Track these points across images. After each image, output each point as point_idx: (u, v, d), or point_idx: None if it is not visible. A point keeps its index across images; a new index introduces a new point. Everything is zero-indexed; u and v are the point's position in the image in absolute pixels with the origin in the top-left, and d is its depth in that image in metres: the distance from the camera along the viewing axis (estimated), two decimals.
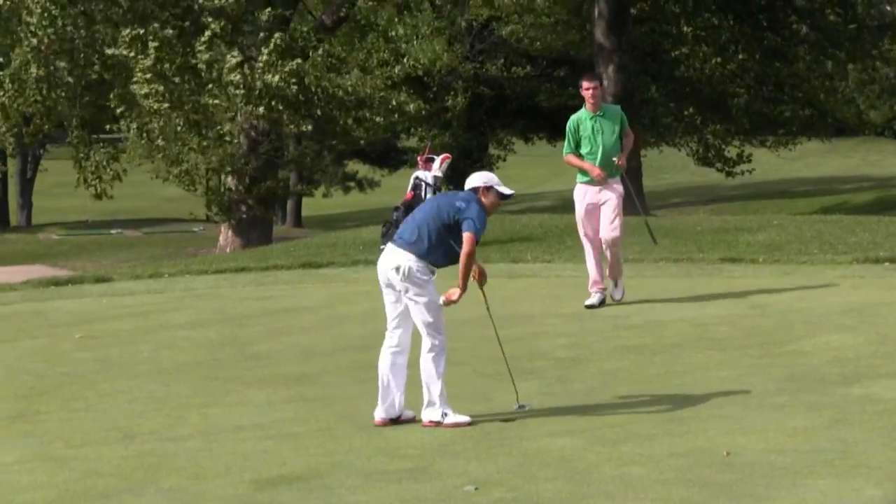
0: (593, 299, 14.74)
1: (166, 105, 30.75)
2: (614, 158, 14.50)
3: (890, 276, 16.99)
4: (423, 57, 40.79)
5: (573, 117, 14.76)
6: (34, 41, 31.10)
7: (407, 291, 9.70)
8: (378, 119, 32.93)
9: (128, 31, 30.54)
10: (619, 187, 14.68)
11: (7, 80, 32.54)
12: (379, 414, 9.73)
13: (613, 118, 14.65)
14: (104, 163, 34.05)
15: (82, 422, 10.26)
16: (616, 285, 15.07)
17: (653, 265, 19.19)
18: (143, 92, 30.62)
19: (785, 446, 8.41)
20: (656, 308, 15.03)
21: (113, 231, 54.41)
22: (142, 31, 30.34)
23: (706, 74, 44.62)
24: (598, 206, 14.62)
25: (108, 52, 31.06)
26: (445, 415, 9.54)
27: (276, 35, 30.97)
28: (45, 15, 30.19)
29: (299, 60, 30.86)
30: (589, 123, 14.55)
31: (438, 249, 9.67)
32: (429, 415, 9.66)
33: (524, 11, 46.57)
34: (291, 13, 33.94)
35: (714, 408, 9.61)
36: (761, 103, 45.80)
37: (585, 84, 14.66)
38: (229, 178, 34.15)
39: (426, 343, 9.71)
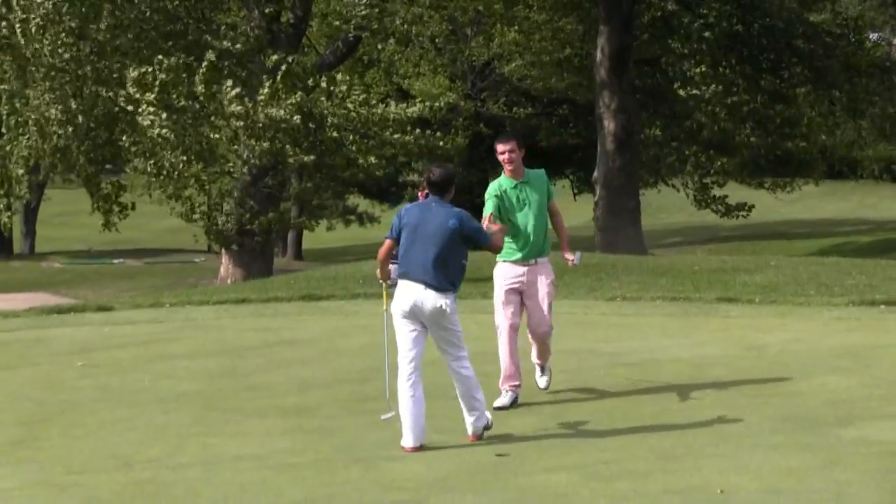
0: (504, 399, 11.54)
1: (171, 134, 30.78)
2: (567, 256, 11.95)
3: (886, 318, 17.00)
4: (431, 92, 40.90)
5: (495, 183, 11.80)
6: (47, 83, 31.17)
7: (439, 323, 10.09)
8: (396, 136, 32.92)
9: (134, 70, 30.58)
10: (550, 270, 11.92)
11: (30, 124, 32.57)
12: (410, 442, 9.86)
13: (539, 186, 11.76)
14: (113, 196, 34.13)
15: (82, 449, 10.27)
16: (542, 371, 12.17)
17: (650, 303, 19.21)
18: (146, 122, 30.66)
19: (779, 486, 8.42)
20: (653, 346, 15.04)
21: (115, 261, 54.41)
22: (149, 69, 30.40)
23: (709, 114, 44.74)
24: (522, 290, 11.73)
25: (121, 93, 31.11)
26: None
27: (283, 67, 31.06)
28: (56, 46, 30.23)
29: (301, 94, 30.92)
30: (513, 193, 11.63)
31: (460, 274, 10.28)
32: (479, 423, 10.14)
33: (523, 51, 46.75)
34: (294, 54, 34.06)
35: (709, 446, 9.62)
36: (762, 142, 45.95)
37: (500, 147, 11.68)
38: (228, 207, 34.17)
39: (459, 356, 10.14)
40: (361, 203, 61.76)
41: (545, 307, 11.73)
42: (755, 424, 10.38)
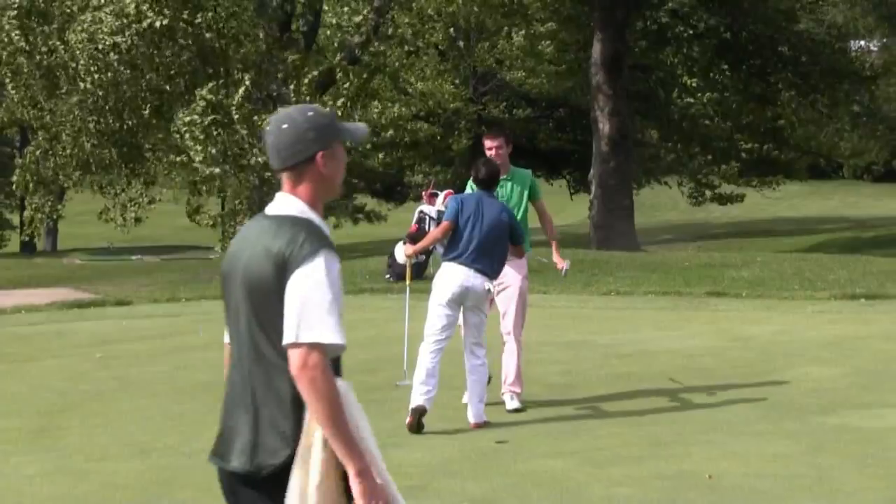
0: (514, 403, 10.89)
1: (217, 170, 30.84)
2: (558, 262, 11.68)
3: (866, 311, 17.01)
4: (433, 92, 40.88)
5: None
6: (88, 97, 31.19)
7: (479, 308, 10.33)
8: (391, 132, 32.90)
9: (182, 117, 30.68)
10: (523, 267, 11.12)
11: (64, 133, 32.58)
12: (418, 402, 10.09)
13: (522, 184, 11.35)
14: (138, 194, 34.20)
15: (101, 437, 10.27)
16: (512, 398, 10.93)
17: (642, 298, 19.23)
18: (198, 160, 30.70)
19: (765, 471, 8.42)
20: (645, 338, 15.05)
21: (133, 257, 54.38)
22: (188, 118, 30.47)
23: (701, 122, 44.79)
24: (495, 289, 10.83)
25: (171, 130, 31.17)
26: None
27: (307, 79, 31.13)
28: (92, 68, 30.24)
29: (318, 102, 30.96)
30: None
31: (502, 264, 10.57)
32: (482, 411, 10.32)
33: (527, 56, 46.78)
34: (305, 58, 34.04)
35: (698, 433, 9.62)
36: (759, 142, 45.98)
37: (488, 142, 11.23)
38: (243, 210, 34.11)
39: (481, 342, 10.37)
40: (369, 202, 61.86)
41: (513, 307, 10.99)
42: (742, 412, 10.39)
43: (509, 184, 11.26)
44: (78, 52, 29.99)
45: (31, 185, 34.21)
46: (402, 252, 10.92)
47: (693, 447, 9.17)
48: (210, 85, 30.56)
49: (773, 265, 23.94)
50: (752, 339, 14.80)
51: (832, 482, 8.10)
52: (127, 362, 14.35)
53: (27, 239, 44.67)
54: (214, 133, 30.52)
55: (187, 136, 30.21)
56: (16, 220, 67.95)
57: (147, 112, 31.19)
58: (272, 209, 4.34)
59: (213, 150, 30.43)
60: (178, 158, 31.93)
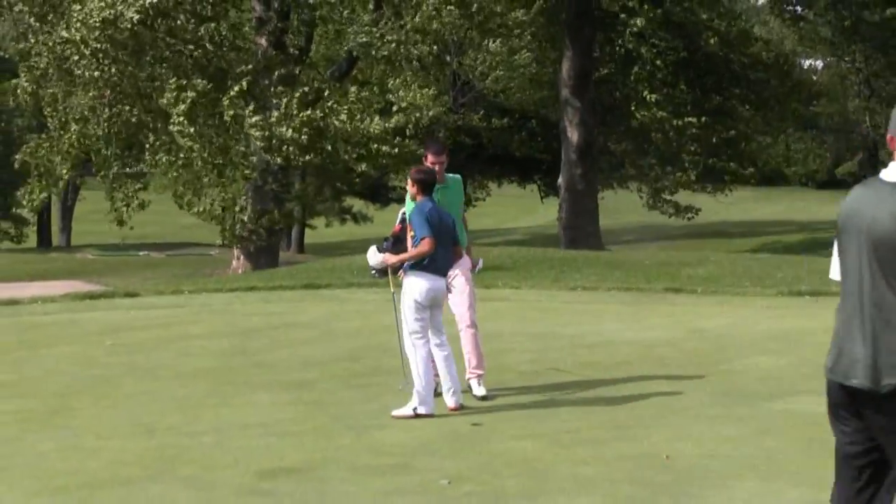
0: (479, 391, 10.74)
1: (196, 145, 30.75)
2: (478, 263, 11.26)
3: (810, 307, 17.05)
4: (414, 101, 40.75)
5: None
6: (95, 90, 31.12)
7: (441, 306, 10.38)
8: (385, 148, 32.82)
9: (173, 81, 30.58)
10: (468, 260, 10.97)
11: (73, 123, 32.49)
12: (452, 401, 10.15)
13: (457, 190, 11.11)
14: (131, 193, 34.11)
15: (110, 417, 10.24)
16: (479, 382, 10.82)
17: (606, 293, 19.23)
18: (176, 129, 30.58)
19: (717, 452, 8.43)
20: (608, 330, 15.06)
21: (140, 253, 54.29)
22: (184, 83, 30.41)
23: (663, 131, 44.82)
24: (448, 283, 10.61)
25: (160, 101, 31.03)
26: None
27: (297, 93, 31.09)
28: (99, 61, 30.12)
29: (310, 111, 30.83)
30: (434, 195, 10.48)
31: None
32: (459, 394, 10.30)
33: (503, 64, 46.80)
34: (301, 70, 33.96)
35: (657, 417, 9.63)
36: (706, 158, 45.95)
37: (433, 158, 10.80)
38: (240, 210, 34.02)
39: (444, 335, 10.32)
40: (356, 204, 61.83)
41: (466, 298, 10.81)
42: (697, 398, 10.40)
43: (446, 190, 10.87)
44: (76, 31, 29.88)
45: (31, 169, 34.15)
46: (374, 256, 10.74)
47: (652, 430, 9.18)
48: (203, 81, 30.51)
49: (725, 264, 23.99)
50: (706, 331, 14.82)
51: (779, 462, 8.12)
52: (134, 349, 14.32)
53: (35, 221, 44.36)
54: (199, 116, 30.46)
55: (175, 113, 30.11)
56: (33, 216, 67.79)
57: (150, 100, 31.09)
58: (888, 175, 4.73)
59: (192, 130, 30.33)
60: (172, 157, 31.87)
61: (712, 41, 43.23)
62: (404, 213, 10.85)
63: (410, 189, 10.34)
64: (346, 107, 31.98)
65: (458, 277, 10.80)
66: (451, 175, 11.12)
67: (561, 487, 7.59)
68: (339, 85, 34.00)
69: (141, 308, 18.90)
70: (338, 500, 7.44)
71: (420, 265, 10.04)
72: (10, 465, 8.58)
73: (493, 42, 43.27)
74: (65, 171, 33.89)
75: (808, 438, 8.77)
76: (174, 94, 30.21)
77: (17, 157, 35.08)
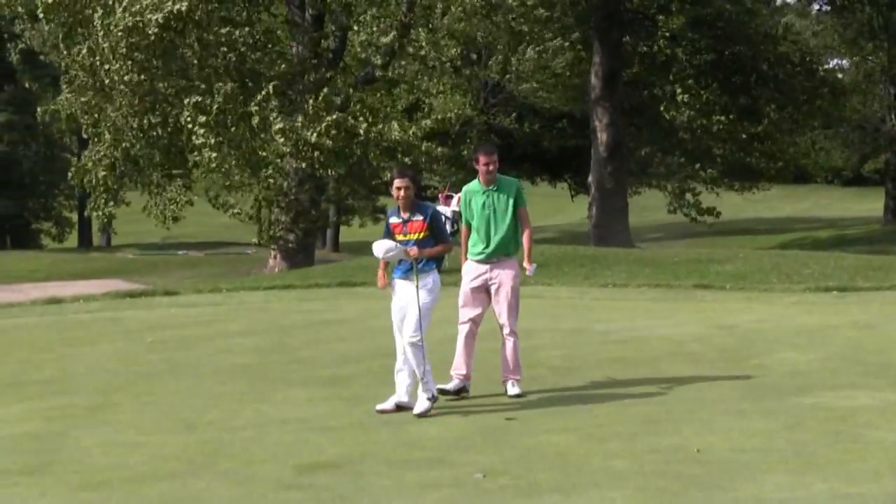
0: (449, 385, 10.57)
1: (216, 154, 30.77)
2: (525, 265, 10.94)
3: (837, 303, 16.98)
4: (447, 110, 40.76)
5: (465, 189, 11.03)
6: (126, 101, 31.23)
7: None
8: (407, 159, 32.84)
9: (190, 99, 30.59)
10: (514, 267, 10.84)
11: (106, 134, 32.62)
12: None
13: (508, 192, 10.81)
14: (178, 194, 34.27)
15: (151, 413, 10.29)
16: (513, 385, 10.66)
17: (636, 290, 19.20)
18: (199, 143, 30.61)
19: (747, 446, 8.40)
20: (639, 326, 15.02)
21: (179, 252, 54.54)
22: (207, 98, 30.43)
23: (691, 130, 44.65)
24: (487, 288, 10.80)
25: (180, 119, 31.12)
26: None
27: (323, 92, 31.09)
28: (129, 69, 30.19)
29: (337, 115, 30.82)
30: (480, 199, 10.75)
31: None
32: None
33: (537, 71, 46.78)
34: (333, 75, 33.96)
35: (687, 412, 9.60)
36: (735, 156, 45.77)
37: (483, 159, 10.78)
38: (277, 211, 34.09)
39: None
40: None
41: (506, 305, 10.70)
42: (726, 393, 10.36)
43: (496, 193, 10.73)
44: (101, 40, 29.94)
45: (85, 184, 34.30)
46: (380, 248, 10.39)
47: (682, 424, 9.15)
48: (233, 84, 30.50)
49: (753, 260, 23.88)
50: (734, 327, 14.77)
51: (807, 456, 8.08)
52: (174, 346, 14.38)
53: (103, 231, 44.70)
54: (228, 120, 30.45)
55: (197, 127, 30.12)
56: (74, 217, 68.18)
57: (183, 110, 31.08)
58: None
59: (212, 140, 30.33)
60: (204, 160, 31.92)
61: (752, 34, 42.94)
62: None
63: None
64: (366, 112, 32.05)
65: (502, 287, 10.72)
66: (504, 177, 10.95)
67: (593, 481, 7.58)
68: (365, 89, 33.94)
69: (180, 306, 18.98)
70: (374, 493, 7.45)
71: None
72: (55, 461, 8.63)
73: (531, 50, 43.30)
74: (111, 184, 34.04)
75: (837, 432, 8.73)
76: (192, 112, 30.23)
77: (71, 174, 35.30)
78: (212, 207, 35.90)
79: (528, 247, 10.94)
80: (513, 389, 10.60)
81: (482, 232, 10.74)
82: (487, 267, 10.72)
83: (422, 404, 9.82)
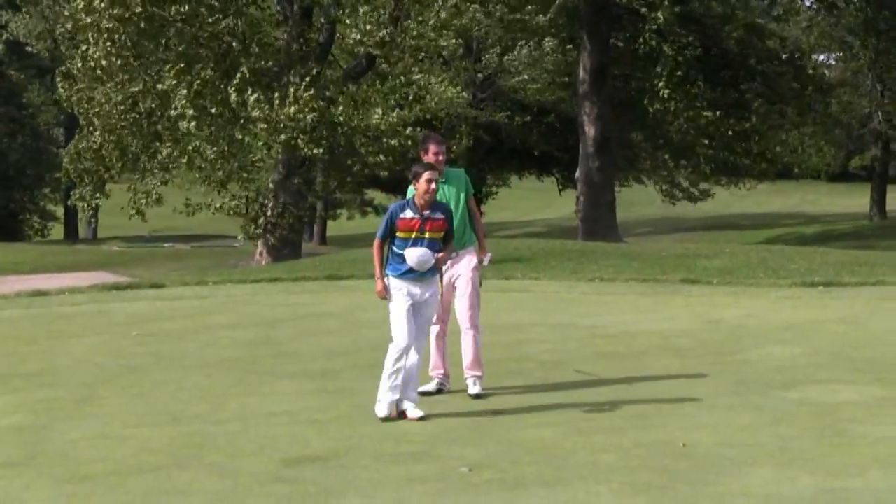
0: (429, 385, 10.47)
1: (195, 125, 30.69)
2: (480, 255, 10.54)
3: (823, 298, 17.02)
4: (442, 98, 40.63)
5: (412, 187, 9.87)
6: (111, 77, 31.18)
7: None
8: (393, 142, 32.74)
9: (170, 67, 30.58)
10: (473, 259, 10.45)
11: (96, 121, 32.57)
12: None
13: (458, 183, 10.41)
14: (153, 186, 34.17)
15: (137, 406, 10.27)
16: (474, 383, 10.35)
17: (623, 284, 19.21)
18: (178, 113, 30.54)
19: (733, 440, 8.42)
20: (626, 321, 15.04)
21: (166, 244, 54.44)
22: (184, 65, 30.42)
23: (677, 126, 44.70)
24: (451, 283, 10.45)
25: (158, 86, 31.05)
26: None
27: (307, 79, 31.01)
28: (114, 43, 30.12)
29: (312, 92, 30.69)
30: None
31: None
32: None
33: (532, 64, 46.83)
34: (321, 69, 33.85)
35: (674, 406, 9.62)
36: (722, 153, 45.85)
37: (434, 148, 10.16)
38: (266, 205, 33.96)
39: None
40: (377, 196, 61.86)
41: (466, 297, 10.34)
42: (713, 387, 10.38)
43: (445, 185, 10.29)
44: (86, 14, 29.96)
45: (73, 174, 34.25)
46: (417, 258, 9.50)
47: (669, 418, 9.17)
48: (209, 71, 30.45)
49: (740, 255, 23.93)
50: (721, 321, 14.80)
51: (793, 450, 8.10)
52: (160, 339, 14.35)
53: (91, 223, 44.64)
54: (206, 104, 30.38)
55: (177, 97, 30.04)
56: (59, 211, 68.00)
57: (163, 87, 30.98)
58: None
59: (191, 111, 30.26)
60: (179, 151, 31.83)
61: (735, 34, 43.06)
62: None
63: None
64: (353, 103, 31.98)
65: (461, 279, 10.43)
66: (452, 169, 10.62)
67: (580, 474, 7.59)
68: (349, 87, 33.81)
69: (167, 299, 18.94)
70: (360, 487, 7.45)
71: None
72: (40, 453, 8.61)
73: (522, 47, 43.32)
74: (102, 172, 34.03)
75: (823, 427, 8.76)
76: (175, 79, 30.17)
77: (65, 161, 35.29)
78: (198, 199, 35.79)
79: (482, 236, 10.72)
80: (473, 388, 10.28)
81: None
82: (448, 262, 10.22)
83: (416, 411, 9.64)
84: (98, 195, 35.82)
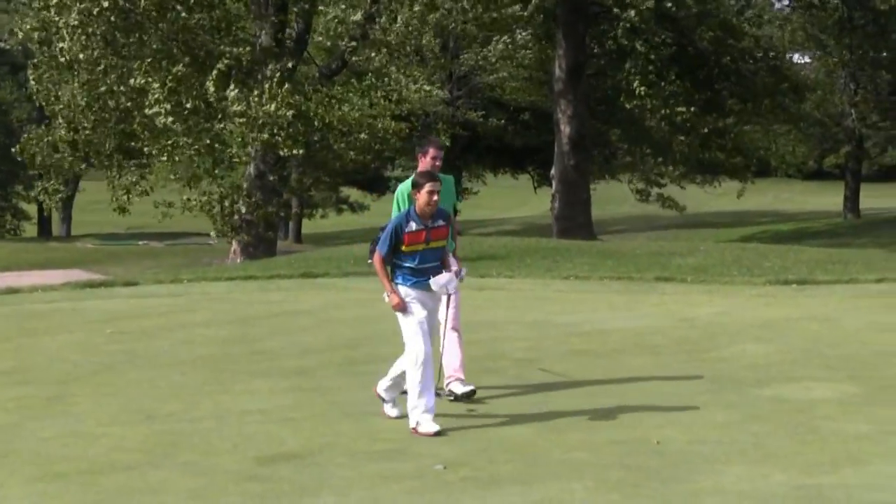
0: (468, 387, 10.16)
1: (171, 119, 30.55)
2: (461, 272, 9.68)
3: (797, 296, 17.08)
4: (414, 95, 40.58)
5: (402, 187, 10.13)
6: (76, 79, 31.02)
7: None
8: (363, 136, 32.73)
9: (144, 61, 30.46)
10: (455, 264, 9.77)
11: (60, 118, 32.43)
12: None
13: (447, 189, 9.96)
14: (134, 181, 34.01)
15: (111, 404, 10.23)
16: (461, 384, 10.17)
17: (598, 282, 19.23)
18: (153, 111, 30.40)
19: (706, 437, 8.45)
20: (601, 318, 15.07)
21: (140, 242, 54.32)
22: (156, 60, 30.30)
23: (652, 123, 44.79)
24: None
25: (131, 82, 30.89)
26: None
27: (278, 74, 30.92)
28: (87, 36, 29.97)
29: (288, 86, 30.63)
30: None
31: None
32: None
33: (505, 62, 46.85)
34: (296, 64, 33.76)
35: (647, 403, 9.64)
36: (696, 150, 45.95)
37: (433, 153, 10.07)
38: (239, 202, 33.82)
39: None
40: (353, 194, 61.82)
41: (453, 301, 10.08)
42: (686, 385, 10.42)
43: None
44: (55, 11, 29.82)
45: (35, 161, 34.08)
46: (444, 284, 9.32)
47: (643, 416, 9.19)
48: (182, 67, 30.34)
49: (714, 253, 24.01)
50: (695, 319, 14.84)
51: (766, 447, 8.13)
52: (134, 337, 14.30)
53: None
54: (183, 99, 30.24)
55: (151, 93, 29.91)
56: (31, 210, 67.68)
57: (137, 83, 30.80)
58: None
59: (168, 106, 30.14)
60: (163, 144, 31.68)
61: (709, 35, 43.18)
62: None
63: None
64: (327, 101, 31.94)
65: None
66: (443, 175, 10.29)
67: (554, 472, 7.60)
68: (323, 87, 33.76)
69: (140, 297, 18.87)
70: (335, 485, 7.45)
71: None
72: (12, 452, 8.58)
73: (497, 43, 43.31)
74: (68, 165, 33.89)
75: (796, 424, 8.80)
76: (147, 76, 30.05)
77: (14, 149, 35.09)
78: (173, 196, 35.69)
79: (456, 243, 10.49)
80: (462, 388, 10.12)
81: None
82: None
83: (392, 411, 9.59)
84: (60, 189, 35.61)
